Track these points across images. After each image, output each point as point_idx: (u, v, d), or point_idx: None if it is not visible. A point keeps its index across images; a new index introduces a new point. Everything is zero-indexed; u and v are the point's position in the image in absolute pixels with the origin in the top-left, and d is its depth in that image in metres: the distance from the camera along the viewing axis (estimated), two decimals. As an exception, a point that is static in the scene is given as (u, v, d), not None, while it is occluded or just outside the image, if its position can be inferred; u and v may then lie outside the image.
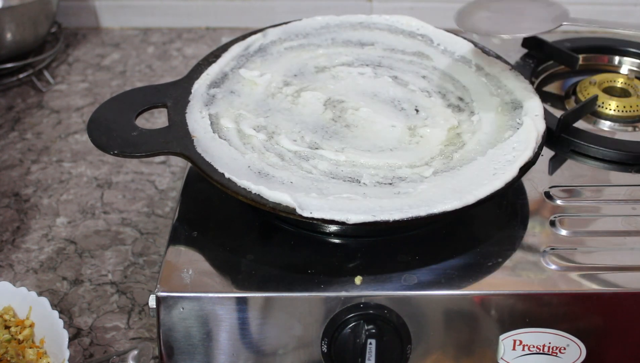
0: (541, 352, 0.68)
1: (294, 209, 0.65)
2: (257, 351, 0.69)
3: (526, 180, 0.80)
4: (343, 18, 0.97)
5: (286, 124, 0.80)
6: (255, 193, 0.67)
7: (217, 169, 0.70)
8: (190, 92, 0.82)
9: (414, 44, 0.93)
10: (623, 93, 0.95)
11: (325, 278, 0.68)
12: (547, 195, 0.78)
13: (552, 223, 0.74)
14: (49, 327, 0.73)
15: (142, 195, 1.02)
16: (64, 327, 0.71)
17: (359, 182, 0.71)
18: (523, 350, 0.68)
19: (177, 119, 0.78)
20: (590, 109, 0.92)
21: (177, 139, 0.75)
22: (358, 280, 0.68)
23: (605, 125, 0.92)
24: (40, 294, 0.77)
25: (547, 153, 0.85)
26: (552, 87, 1.00)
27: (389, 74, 0.88)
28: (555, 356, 0.68)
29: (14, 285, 0.77)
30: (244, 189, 0.68)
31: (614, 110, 0.92)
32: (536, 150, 0.73)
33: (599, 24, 0.84)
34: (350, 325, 0.66)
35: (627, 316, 0.68)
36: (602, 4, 1.33)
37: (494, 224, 0.75)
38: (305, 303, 0.67)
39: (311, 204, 0.66)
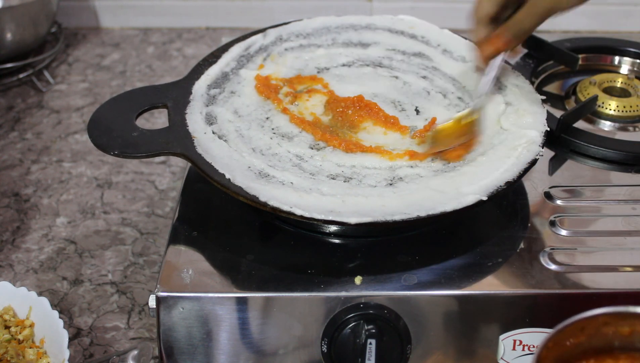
0: (541, 352, 0.68)
1: (294, 210, 0.65)
2: (257, 351, 0.69)
3: (526, 180, 0.80)
4: (343, 18, 0.97)
5: (286, 124, 0.80)
6: (255, 194, 0.67)
7: (217, 170, 0.70)
8: (191, 93, 0.82)
9: (414, 44, 0.93)
10: (623, 93, 0.95)
11: (325, 278, 0.68)
12: (547, 195, 0.78)
13: (552, 223, 0.74)
14: (49, 327, 0.73)
15: (142, 195, 1.02)
16: (64, 327, 0.71)
17: (360, 182, 0.71)
18: (523, 350, 0.68)
19: (177, 120, 0.78)
20: (590, 109, 0.92)
21: (177, 140, 0.75)
22: (358, 280, 0.68)
23: (605, 125, 0.92)
24: (40, 294, 0.76)
25: (547, 153, 0.85)
26: (552, 87, 1.00)
27: (390, 74, 0.88)
28: (555, 356, 0.68)
29: (14, 285, 0.77)
30: (244, 189, 0.68)
31: (614, 110, 0.92)
32: (537, 151, 0.73)
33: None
34: (350, 325, 0.66)
35: (627, 317, 0.68)
36: (602, 4, 1.33)
37: (494, 224, 0.75)
38: (305, 303, 0.67)
39: (311, 205, 0.66)
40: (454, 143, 0.74)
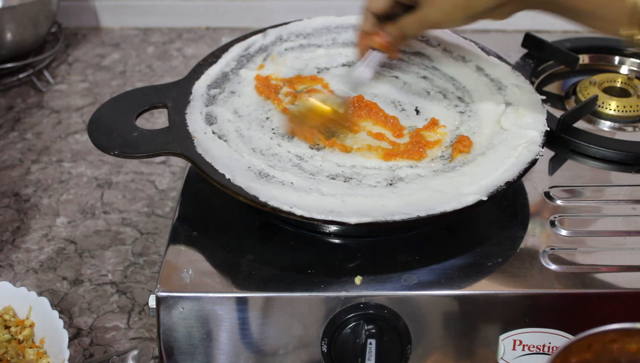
0: (541, 352, 0.68)
1: (294, 210, 0.65)
2: (257, 351, 0.69)
3: (526, 180, 0.80)
4: (343, 19, 0.96)
5: (286, 124, 0.80)
6: (255, 194, 0.67)
7: (217, 170, 0.70)
8: (191, 93, 0.82)
9: (414, 44, 0.93)
10: (623, 93, 0.95)
11: (325, 278, 0.68)
12: (547, 195, 0.78)
13: (552, 223, 0.74)
14: (49, 327, 0.73)
15: (142, 195, 1.02)
16: (64, 327, 0.71)
17: (359, 182, 0.71)
18: (523, 350, 0.68)
19: (177, 120, 0.78)
20: (590, 109, 0.92)
21: (177, 140, 0.75)
22: (358, 280, 0.68)
23: (605, 125, 0.92)
24: (40, 294, 0.77)
25: (547, 153, 0.85)
26: (552, 87, 1.00)
27: (390, 74, 0.88)
28: (555, 356, 0.68)
29: (14, 285, 0.77)
30: (244, 189, 0.68)
31: (614, 110, 0.92)
32: (537, 151, 0.73)
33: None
34: (350, 325, 0.66)
35: (627, 316, 0.68)
36: (602, 4, 1.32)
37: (494, 224, 0.75)
38: (305, 303, 0.67)
39: (311, 205, 0.66)
40: (314, 123, 0.76)
